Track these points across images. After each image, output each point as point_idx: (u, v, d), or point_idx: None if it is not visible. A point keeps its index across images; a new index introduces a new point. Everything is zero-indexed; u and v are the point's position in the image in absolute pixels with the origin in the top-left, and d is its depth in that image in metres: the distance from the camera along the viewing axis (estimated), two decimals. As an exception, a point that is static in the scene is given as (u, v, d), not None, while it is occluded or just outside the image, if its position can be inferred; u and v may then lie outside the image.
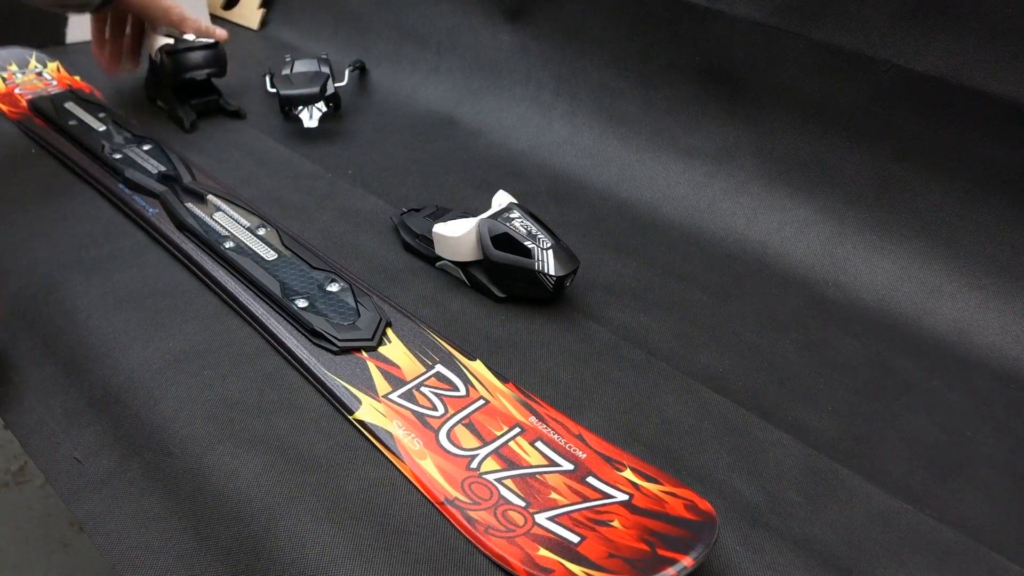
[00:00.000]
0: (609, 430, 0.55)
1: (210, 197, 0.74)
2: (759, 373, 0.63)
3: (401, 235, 0.74)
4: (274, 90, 0.93)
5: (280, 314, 0.61)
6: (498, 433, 0.52)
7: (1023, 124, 0.69)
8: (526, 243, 0.63)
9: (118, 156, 0.79)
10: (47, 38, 1.13)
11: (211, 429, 0.51)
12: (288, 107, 0.93)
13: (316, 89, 0.91)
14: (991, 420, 0.63)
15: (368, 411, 0.53)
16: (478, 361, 0.58)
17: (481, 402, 0.54)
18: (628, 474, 0.49)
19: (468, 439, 0.51)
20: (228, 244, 0.67)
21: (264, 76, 0.97)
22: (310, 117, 0.92)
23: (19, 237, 0.70)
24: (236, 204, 0.73)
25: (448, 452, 0.50)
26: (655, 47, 0.91)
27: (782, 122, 0.84)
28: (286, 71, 0.95)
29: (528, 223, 0.65)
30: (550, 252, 0.63)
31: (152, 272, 0.67)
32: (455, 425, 0.52)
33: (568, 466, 0.50)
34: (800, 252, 0.80)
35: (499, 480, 0.48)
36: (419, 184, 0.87)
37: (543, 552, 0.44)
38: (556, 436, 0.52)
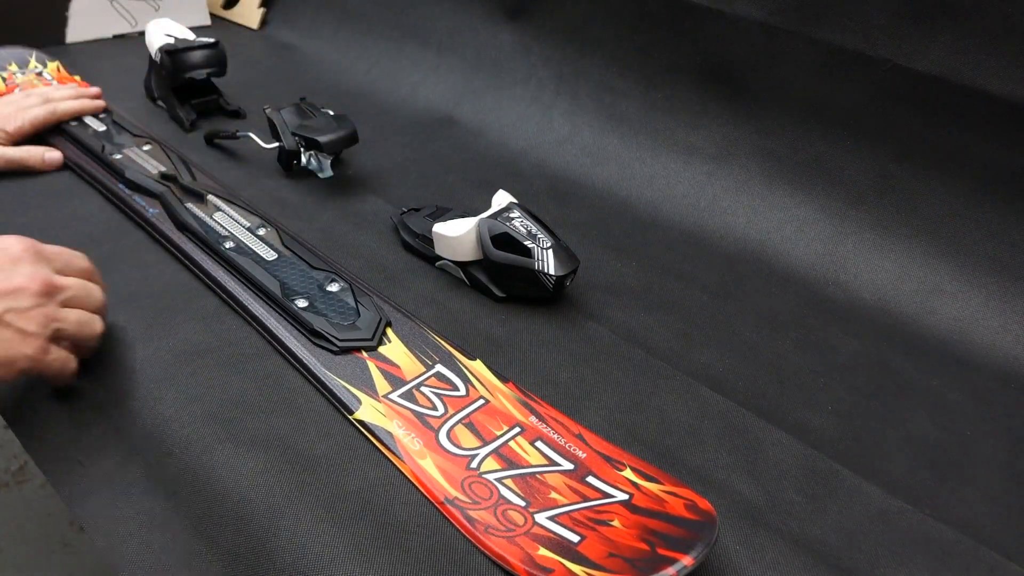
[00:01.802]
0: (609, 430, 0.55)
1: (210, 197, 0.74)
2: (759, 373, 0.63)
3: (401, 235, 0.74)
4: (295, 140, 0.81)
5: (280, 314, 0.61)
6: (498, 433, 0.52)
7: (1023, 124, 0.69)
8: (526, 243, 0.63)
9: (118, 156, 0.79)
10: (47, 38, 1.13)
11: (212, 429, 0.51)
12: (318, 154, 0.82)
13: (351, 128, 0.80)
14: (991, 420, 0.63)
15: (368, 411, 0.53)
16: (478, 361, 0.58)
17: (481, 402, 0.54)
18: (628, 474, 0.49)
19: (468, 439, 0.51)
20: (228, 244, 0.67)
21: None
22: (320, 168, 0.84)
23: (19, 237, 0.70)
24: (236, 204, 0.73)
25: (448, 452, 0.50)
26: (655, 46, 0.91)
27: (782, 121, 0.84)
28: (289, 120, 0.82)
29: (528, 223, 0.65)
30: (550, 252, 0.63)
31: (152, 272, 0.67)
32: (455, 425, 0.52)
33: (568, 466, 0.50)
34: (800, 251, 0.80)
35: (499, 480, 0.48)
36: (419, 184, 0.87)
37: (543, 552, 0.44)
38: (556, 436, 0.52)
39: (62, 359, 0.52)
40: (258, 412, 0.53)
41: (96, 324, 0.54)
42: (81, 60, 1.08)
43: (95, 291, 0.55)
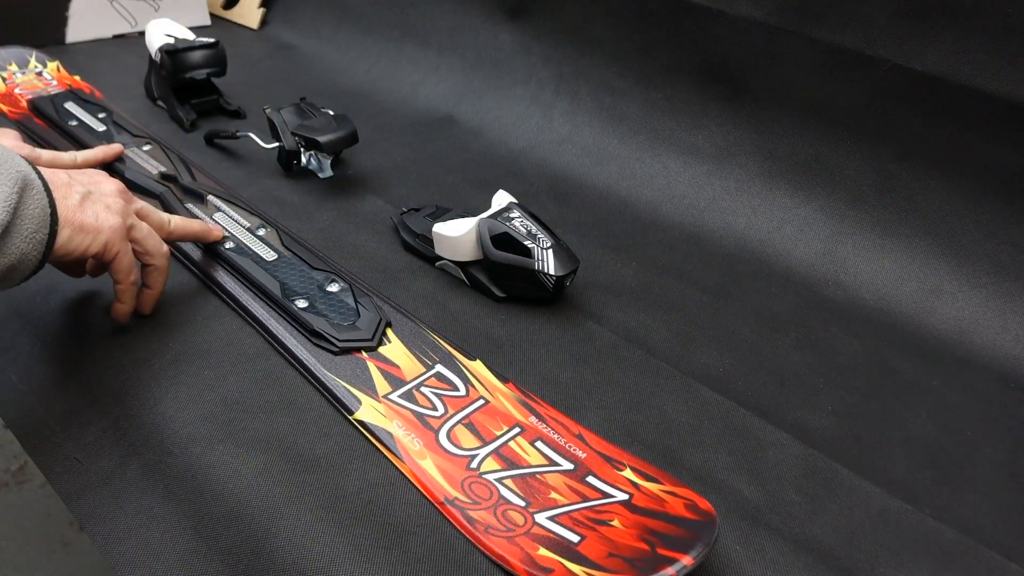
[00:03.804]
0: (609, 430, 0.55)
1: (210, 197, 0.74)
2: (759, 373, 0.63)
3: (401, 235, 0.74)
4: (296, 140, 0.81)
5: (280, 314, 0.61)
6: (498, 433, 0.52)
7: (1023, 124, 0.69)
8: (526, 243, 0.63)
9: (118, 156, 0.79)
10: (47, 38, 1.13)
11: (211, 429, 0.51)
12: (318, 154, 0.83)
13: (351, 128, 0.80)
14: (991, 420, 0.62)
15: (368, 411, 0.53)
16: (478, 361, 0.58)
17: (481, 402, 0.54)
18: (628, 474, 0.49)
19: (468, 439, 0.51)
20: (228, 244, 0.67)
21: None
22: (320, 168, 0.85)
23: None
24: (236, 204, 0.73)
25: (448, 452, 0.50)
26: (655, 46, 0.91)
27: (782, 121, 0.84)
28: (288, 120, 0.81)
29: (528, 223, 0.65)
30: (550, 252, 0.63)
31: (152, 272, 0.67)
32: (455, 425, 0.52)
33: (568, 466, 0.50)
34: (800, 251, 0.80)
35: (499, 480, 0.48)
36: (419, 184, 0.87)
37: (543, 552, 0.44)
38: (556, 436, 0.52)
39: (131, 259, 0.56)
40: (258, 412, 0.53)
41: (162, 246, 0.59)
42: (81, 60, 1.08)
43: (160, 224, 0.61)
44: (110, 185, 0.57)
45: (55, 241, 0.50)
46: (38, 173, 0.50)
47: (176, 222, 0.62)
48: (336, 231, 0.75)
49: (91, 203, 0.53)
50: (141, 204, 0.59)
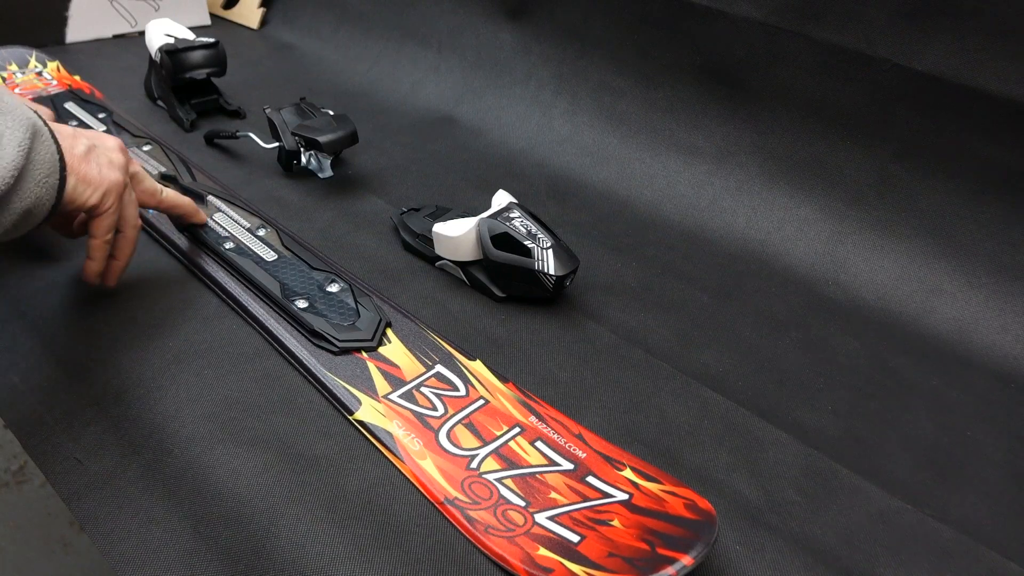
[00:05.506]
0: (609, 430, 0.55)
1: (210, 198, 0.74)
2: (759, 373, 0.63)
3: (401, 235, 0.74)
4: (296, 140, 0.81)
5: (280, 314, 0.61)
6: (498, 433, 0.52)
7: (1023, 124, 0.69)
8: (526, 243, 0.63)
9: (118, 156, 0.79)
10: (47, 38, 1.13)
11: (211, 429, 0.51)
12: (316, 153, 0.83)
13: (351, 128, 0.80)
14: (991, 420, 0.62)
15: (368, 411, 0.53)
16: (478, 361, 0.58)
17: (481, 402, 0.54)
18: (628, 473, 0.49)
19: (468, 439, 0.51)
20: (228, 245, 0.67)
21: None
22: (320, 168, 0.85)
23: (17, 237, 0.70)
24: (236, 204, 0.73)
25: (448, 452, 0.50)
26: (655, 46, 0.91)
27: (782, 121, 0.84)
28: (288, 120, 0.82)
29: (528, 222, 0.65)
30: (550, 252, 0.63)
31: (152, 272, 0.67)
32: (455, 425, 0.52)
33: (568, 466, 0.50)
34: (800, 251, 0.80)
35: (499, 480, 0.48)
36: (419, 184, 0.87)
37: (543, 551, 0.44)
38: (556, 436, 0.52)
39: (114, 220, 0.57)
40: (258, 412, 0.53)
41: (137, 218, 0.59)
42: (81, 60, 1.08)
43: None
44: (112, 141, 0.58)
45: (65, 187, 0.51)
46: (44, 122, 0.51)
47: (168, 192, 0.64)
48: (336, 231, 0.75)
49: (95, 155, 0.54)
50: (137, 168, 0.60)
